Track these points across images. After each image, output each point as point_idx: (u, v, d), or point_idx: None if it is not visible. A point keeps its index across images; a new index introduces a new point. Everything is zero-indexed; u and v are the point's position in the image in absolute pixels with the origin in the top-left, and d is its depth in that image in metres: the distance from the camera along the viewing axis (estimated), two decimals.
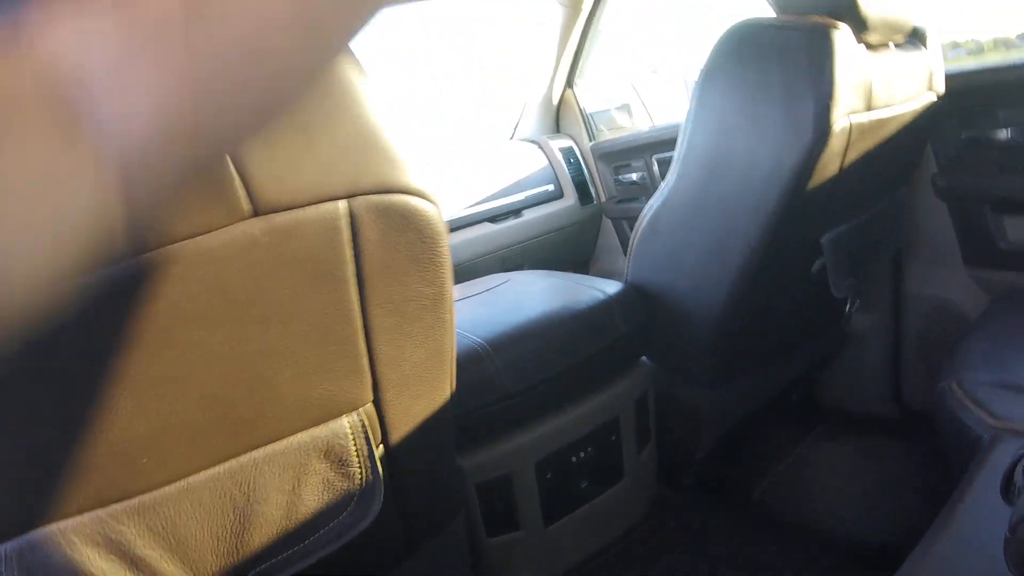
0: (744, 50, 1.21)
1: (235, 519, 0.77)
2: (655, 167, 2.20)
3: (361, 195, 0.68)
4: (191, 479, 0.73)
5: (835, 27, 1.14)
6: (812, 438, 1.86)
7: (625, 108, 2.52)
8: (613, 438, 1.43)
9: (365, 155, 0.68)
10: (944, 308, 1.74)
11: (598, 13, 2.26)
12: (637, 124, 2.52)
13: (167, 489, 0.71)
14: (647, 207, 1.43)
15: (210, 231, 0.62)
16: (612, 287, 1.46)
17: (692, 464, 1.63)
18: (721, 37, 1.24)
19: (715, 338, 1.40)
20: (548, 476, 1.34)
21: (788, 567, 1.41)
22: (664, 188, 1.39)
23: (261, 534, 0.79)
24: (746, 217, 1.25)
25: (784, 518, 1.59)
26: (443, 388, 0.91)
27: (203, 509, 0.74)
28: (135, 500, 0.69)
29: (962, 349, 1.32)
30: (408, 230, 0.73)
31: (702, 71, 1.27)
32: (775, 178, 1.20)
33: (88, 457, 0.65)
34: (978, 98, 1.55)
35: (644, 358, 1.52)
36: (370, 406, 0.84)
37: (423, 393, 0.88)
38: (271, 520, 0.79)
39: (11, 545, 0.63)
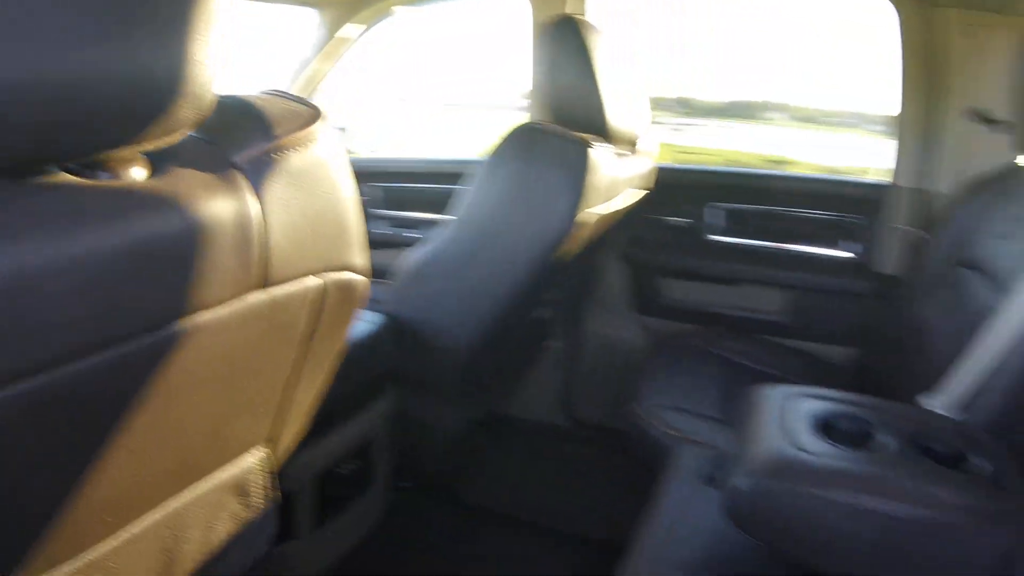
0: (525, 149, 1.50)
1: (165, 560, 0.80)
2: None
3: (332, 271, 0.81)
4: (134, 528, 0.74)
5: (590, 145, 1.50)
6: (513, 444, 2.27)
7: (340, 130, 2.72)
8: (371, 452, 1.64)
9: (339, 237, 0.81)
10: (615, 345, 2.27)
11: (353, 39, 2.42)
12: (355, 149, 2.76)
13: (112, 541, 0.72)
14: (419, 253, 1.66)
15: (229, 300, 0.68)
16: (376, 319, 1.65)
17: (429, 470, 1.92)
18: (510, 133, 1.52)
19: (463, 366, 1.67)
20: (319, 489, 1.49)
21: (511, 558, 1.77)
22: (437, 239, 1.64)
23: (184, 571, 0.84)
24: (505, 277, 1.56)
25: (502, 514, 1.95)
26: (309, 421, 1.02)
27: (142, 557, 0.76)
28: (83, 558, 0.69)
29: (642, 380, 1.80)
30: (351, 301, 0.87)
31: (491, 157, 1.53)
32: (533, 252, 1.53)
33: (54, 518, 0.64)
34: (663, 191, 2.08)
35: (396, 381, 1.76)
36: (267, 441, 0.94)
37: (302, 426, 1.00)
38: (192, 557, 0.84)
39: None
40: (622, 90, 1.64)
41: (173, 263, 0.61)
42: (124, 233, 0.57)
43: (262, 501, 0.92)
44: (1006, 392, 1.19)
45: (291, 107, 0.76)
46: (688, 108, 3.16)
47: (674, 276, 2.19)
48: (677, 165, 2.28)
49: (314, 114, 0.77)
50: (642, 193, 1.92)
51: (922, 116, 1.89)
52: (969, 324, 1.45)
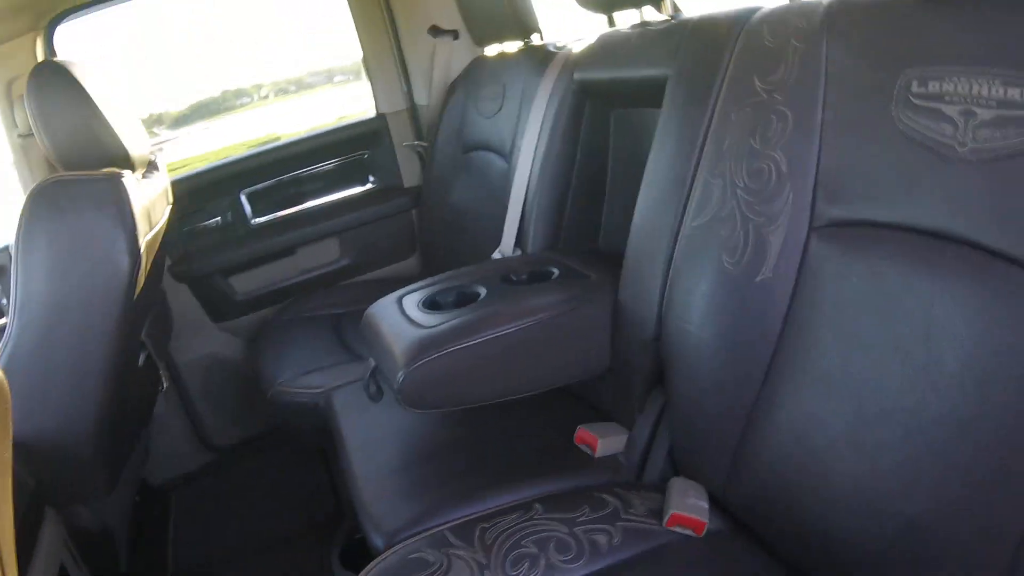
0: (58, 205, 1.37)
1: None
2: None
3: None
4: None
5: (122, 175, 1.42)
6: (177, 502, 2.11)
7: None
8: None
9: None
10: (213, 360, 2.20)
11: None
12: None
13: None
14: None
15: None
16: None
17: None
18: (32, 197, 1.36)
19: (95, 459, 1.49)
20: None
21: None
22: (7, 340, 1.43)
23: None
24: (95, 346, 1.42)
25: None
26: None
27: None
28: None
29: (267, 367, 1.80)
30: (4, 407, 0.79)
31: (22, 230, 1.36)
32: (112, 306, 1.41)
33: None
34: (188, 199, 2.04)
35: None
36: None
37: None
38: None
39: None
40: (123, 116, 1.57)
41: None
42: None
43: None
44: (543, 221, 1.48)
45: None
46: (161, 122, 3.06)
47: (235, 272, 2.17)
48: (192, 171, 2.23)
49: None
50: (168, 210, 1.87)
51: (383, 48, 2.14)
52: (492, 190, 1.75)
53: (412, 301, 1.25)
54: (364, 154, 2.26)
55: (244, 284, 2.18)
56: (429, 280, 1.34)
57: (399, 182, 2.27)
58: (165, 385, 1.92)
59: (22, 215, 1.37)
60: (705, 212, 1.00)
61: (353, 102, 3.02)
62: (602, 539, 0.98)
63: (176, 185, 1.95)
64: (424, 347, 1.11)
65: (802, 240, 0.89)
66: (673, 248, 1.06)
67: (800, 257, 0.89)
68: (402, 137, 2.23)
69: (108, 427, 1.47)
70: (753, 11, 1.04)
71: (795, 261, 0.89)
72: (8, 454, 0.78)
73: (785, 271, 0.90)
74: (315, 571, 1.68)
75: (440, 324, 1.15)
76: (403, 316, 1.20)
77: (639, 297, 1.12)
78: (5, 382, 0.75)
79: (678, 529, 1.00)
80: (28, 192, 1.37)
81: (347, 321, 1.92)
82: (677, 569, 0.96)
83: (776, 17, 0.98)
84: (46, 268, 1.38)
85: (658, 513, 1.03)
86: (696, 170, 1.05)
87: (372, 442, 1.31)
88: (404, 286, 2.07)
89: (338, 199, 2.26)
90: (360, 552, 1.53)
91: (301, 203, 2.25)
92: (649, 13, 1.30)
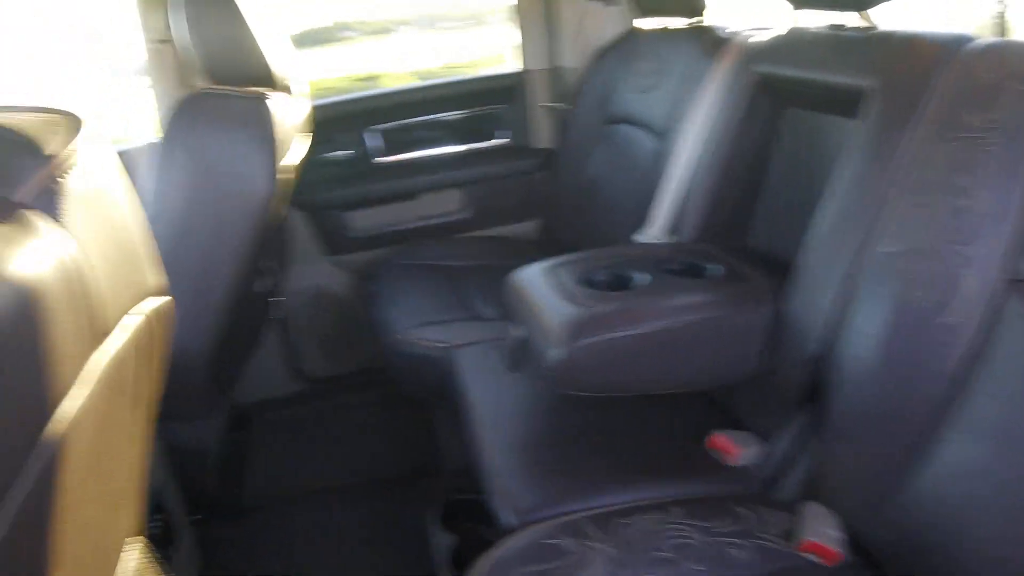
0: (203, 119, 1.38)
1: None
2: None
3: (146, 301, 0.70)
4: None
5: (267, 97, 1.42)
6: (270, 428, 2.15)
7: None
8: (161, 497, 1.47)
9: (140, 258, 0.70)
10: (319, 292, 2.22)
11: None
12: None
13: None
14: None
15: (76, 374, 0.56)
16: None
17: (206, 494, 1.74)
18: (180, 107, 1.38)
19: (206, 375, 1.52)
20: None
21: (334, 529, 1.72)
22: None
23: None
24: (225, 260, 1.43)
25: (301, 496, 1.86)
26: None
27: None
28: None
29: (380, 313, 1.81)
30: (167, 333, 0.77)
31: (164, 140, 1.39)
32: (242, 226, 1.42)
33: None
34: (314, 128, 2.04)
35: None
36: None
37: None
38: None
39: None
40: (271, 36, 1.56)
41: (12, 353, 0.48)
42: None
43: None
44: (699, 210, 1.43)
45: (40, 118, 0.61)
46: None
47: (354, 208, 2.17)
48: (321, 102, 2.23)
49: (73, 121, 0.63)
50: (309, 137, 1.87)
51: (535, 2, 2.08)
52: (636, 167, 1.70)
53: (565, 274, 1.22)
54: (498, 108, 2.23)
55: (361, 221, 2.19)
56: (577, 255, 1.31)
57: (529, 142, 2.24)
58: (278, 315, 1.95)
59: (165, 124, 1.39)
60: (900, 240, 0.96)
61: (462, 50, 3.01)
62: (735, 553, 0.96)
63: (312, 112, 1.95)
64: (587, 327, 1.09)
65: (998, 288, 0.85)
66: (853, 267, 1.02)
67: (992, 304, 0.85)
68: (540, 97, 2.18)
69: (220, 350, 1.49)
70: (966, 39, 0.99)
71: (987, 307, 0.85)
72: (158, 377, 0.78)
73: (973, 315, 0.86)
74: (399, 524, 1.70)
75: (602, 305, 1.13)
76: (557, 289, 1.17)
77: (806, 310, 1.08)
78: (171, 302, 0.76)
79: (810, 556, 0.97)
80: (172, 102, 1.38)
81: (465, 277, 1.91)
82: None
83: (994, 53, 0.93)
84: (183, 182, 1.39)
85: (789, 534, 1.00)
86: (890, 193, 1.00)
87: (503, 412, 1.30)
88: (523, 248, 2.07)
89: (465, 150, 2.23)
90: (459, 514, 1.54)
91: (426, 149, 2.23)
92: (848, 17, 1.23)
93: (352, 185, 2.15)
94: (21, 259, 0.49)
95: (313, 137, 1.99)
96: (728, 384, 1.23)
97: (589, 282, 1.22)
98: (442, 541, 1.46)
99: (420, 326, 1.69)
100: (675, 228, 1.47)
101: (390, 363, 1.78)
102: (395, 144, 2.20)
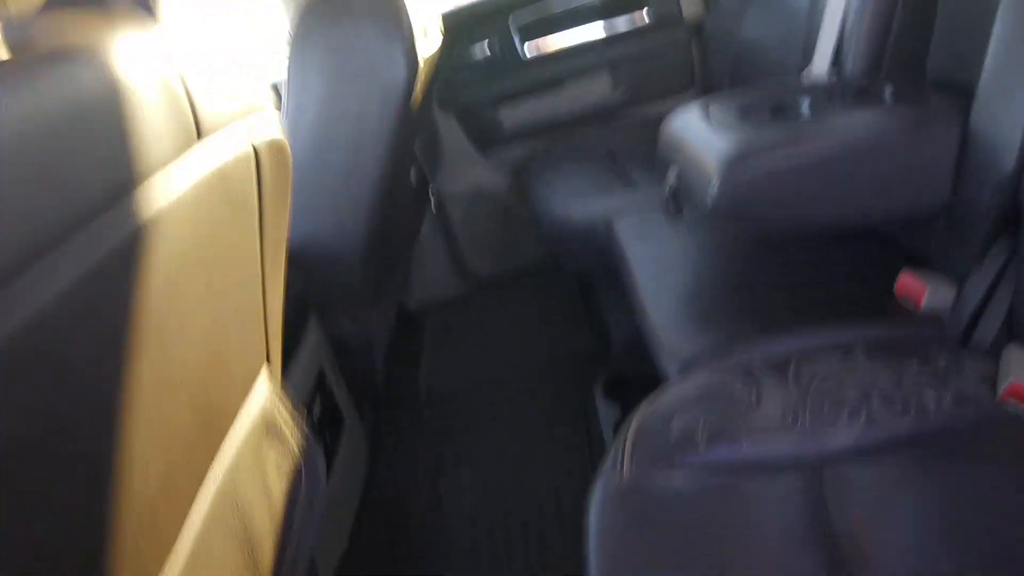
0: (334, 12, 1.38)
1: (245, 550, 0.70)
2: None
3: (252, 113, 0.71)
4: (194, 517, 0.64)
5: None
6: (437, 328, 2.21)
7: None
8: (327, 384, 1.53)
9: (243, 70, 0.71)
10: (477, 192, 2.23)
11: None
12: None
13: (182, 547, 0.61)
14: None
15: (171, 158, 0.58)
16: None
17: (374, 387, 1.82)
18: (306, 5, 1.38)
19: (361, 270, 1.56)
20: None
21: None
22: None
23: (264, 557, 0.74)
24: (372, 149, 1.44)
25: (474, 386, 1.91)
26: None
27: (222, 550, 0.67)
28: (173, 568, 0.59)
29: (535, 189, 1.78)
30: (285, 167, 0.78)
31: (295, 36, 1.39)
32: (387, 111, 1.42)
33: (110, 516, 0.51)
34: (456, 30, 2.01)
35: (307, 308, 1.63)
36: (265, 366, 0.83)
37: (279, 348, 0.89)
38: (263, 532, 0.75)
39: None
40: None
41: (104, 120, 0.50)
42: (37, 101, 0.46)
43: (293, 442, 0.83)
44: (867, 42, 1.28)
45: None
46: None
47: (503, 102, 2.14)
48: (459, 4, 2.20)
49: None
50: (439, 37, 1.85)
51: None
52: (792, 21, 1.55)
53: (720, 111, 1.13)
54: None
55: (511, 116, 2.15)
56: (732, 91, 1.21)
57: (678, 12, 2.10)
58: (434, 207, 1.96)
59: (300, 22, 1.39)
60: None
61: None
62: (930, 399, 0.87)
63: (444, 19, 1.93)
64: (748, 155, 1.00)
65: None
66: None
67: None
68: None
69: (377, 238, 1.51)
70: None
71: None
72: (287, 214, 0.78)
73: None
74: (572, 403, 1.70)
75: (764, 132, 1.04)
76: (714, 123, 1.09)
77: (998, 125, 0.94)
78: (287, 144, 0.76)
79: (1012, 404, 0.86)
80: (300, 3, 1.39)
81: (624, 155, 1.86)
82: (1010, 447, 0.82)
83: None
84: (322, 77, 1.40)
85: (990, 382, 0.89)
86: None
87: (663, 268, 1.25)
88: None
89: (612, 30, 2.13)
90: (626, 385, 1.52)
91: (572, 32, 2.13)
92: None
93: (500, 80, 2.12)
94: (122, 44, 0.53)
95: (456, 36, 1.97)
96: (914, 219, 1.10)
97: (747, 114, 1.13)
98: (608, 413, 1.45)
99: (579, 198, 1.67)
100: (841, 66, 1.33)
101: (550, 240, 1.77)
102: (540, 33, 2.13)
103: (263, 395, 0.79)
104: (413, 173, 1.76)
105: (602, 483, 0.85)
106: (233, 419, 0.73)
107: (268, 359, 0.84)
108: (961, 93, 1.03)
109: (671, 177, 1.16)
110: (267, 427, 0.78)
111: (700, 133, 1.09)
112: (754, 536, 0.75)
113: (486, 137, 2.18)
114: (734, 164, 0.99)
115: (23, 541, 0.43)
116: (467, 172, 2.21)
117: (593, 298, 1.98)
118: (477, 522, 1.45)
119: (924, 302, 1.03)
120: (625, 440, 0.88)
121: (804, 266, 1.17)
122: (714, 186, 1.00)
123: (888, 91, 1.08)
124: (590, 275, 1.89)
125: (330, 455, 1.38)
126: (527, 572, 1.31)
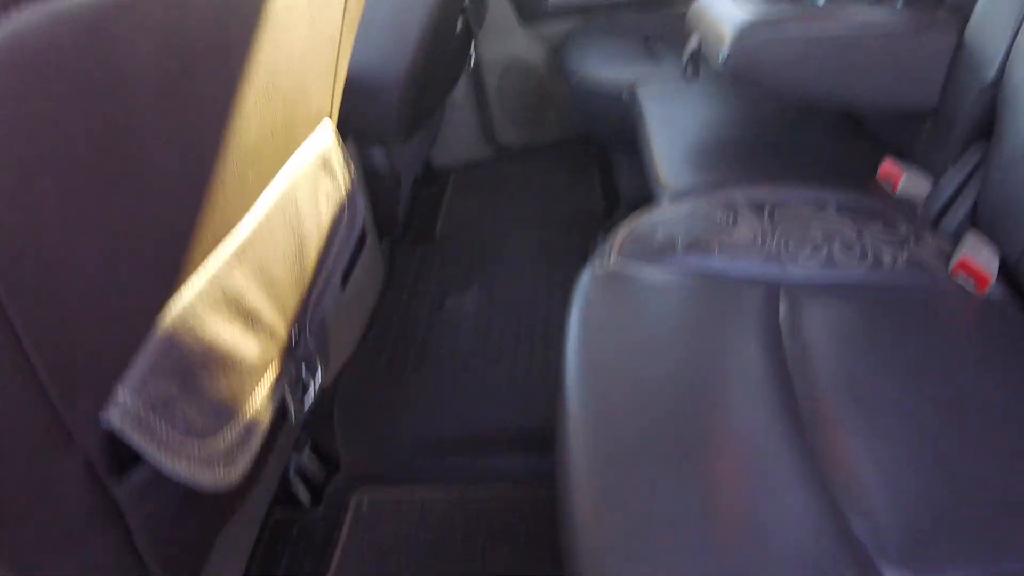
0: None
1: (295, 242, 0.82)
2: None
3: None
4: (259, 206, 0.76)
5: None
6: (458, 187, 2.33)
7: None
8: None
9: None
10: (514, 62, 2.32)
11: None
12: None
13: (247, 224, 0.73)
14: None
15: None
16: None
17: (397, 216, 1.95)
18: None
19: (403, 98, 1.64)
20: None
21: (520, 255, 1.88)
22: None
23: (309, 255, 0.86)
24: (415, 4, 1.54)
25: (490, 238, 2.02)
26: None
27: (275, 240, 0.78)
28: (235, 245, 0.70)
29: (567, 57, 1.88)
30: None
31: None
32: None
33: (205, 180, 0.63)
34: None
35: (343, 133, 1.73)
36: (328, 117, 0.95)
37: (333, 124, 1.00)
38: (311, 235, 0.87)
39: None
40: None
41: None
42: None
43: (342, 181, 0.95)
44: None
45: None
46: None
47: None
48: None
49: None
50: None
51: None
52: None
53: None
54: None
55: None
56: None
57: None
58: (472, 61, 2.04)
59: None
60: None
61: None
62: (887, 257, 1.00)
63: None
64: (758, 21, 1.14)
65: None
66: None
67: None
68: None
69: (417, 75, 1.60)
70: None
71: None
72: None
73: None
74: (578, 250, 1.83)
75: (777, 8, 1.18)
76: (737, 3, 1.22)
77: (987, 37, 1.06)
78: None
79: (961, 279, 0.99)
80: None
81: (657, 37, 1.97)
82: (950, 317, 0.95)
83: None
84: None
85: (945, 258, 1.02)
86: None
87: (674, 124, 1.39)
88: None
89: None
90: None
91: None
92: None
93: None
94: None
95: None
96: (902, 113, 1.24)
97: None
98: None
99: (607, 65, 1.80)
100: None
101: (577, 100, 1.87)
102: None
103: (324, 136, 0.91)
104: (460, 22, 1.84)
105: (589, 270, 0.99)
106: (301, 143, 0.85)
107: (330, 113, 0.96)
108: (965, 8, 1.14)
109: (692, 42, 1.28)
110: (324, 163, 0.90)
111: (725, 9, 1.22)
112: (716, 336, 0.88)
113: (530, 8, 2.25)
114: (746, 29, 1.13)
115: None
116: (507, 41, 2.29)
117: (608, 164, 2.10)
118: (476, 332, 1.59)
119: (901, 186, 1.16)
120: (613, 241, 1.02)
121: (799, 137, 1.31)
122: (726, 48, 1.14)
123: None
124: (610, 139, 2.00)
125: (350, 264, 1.52)
126: (507, 375, 1.46)
